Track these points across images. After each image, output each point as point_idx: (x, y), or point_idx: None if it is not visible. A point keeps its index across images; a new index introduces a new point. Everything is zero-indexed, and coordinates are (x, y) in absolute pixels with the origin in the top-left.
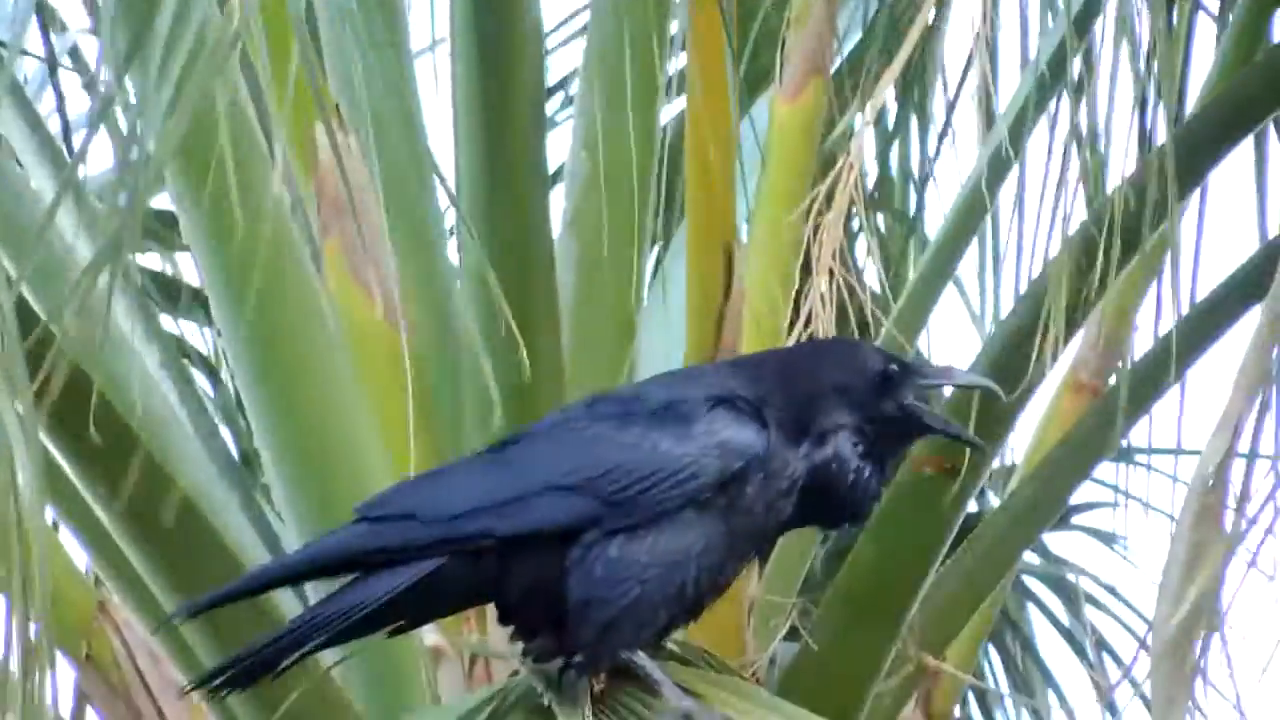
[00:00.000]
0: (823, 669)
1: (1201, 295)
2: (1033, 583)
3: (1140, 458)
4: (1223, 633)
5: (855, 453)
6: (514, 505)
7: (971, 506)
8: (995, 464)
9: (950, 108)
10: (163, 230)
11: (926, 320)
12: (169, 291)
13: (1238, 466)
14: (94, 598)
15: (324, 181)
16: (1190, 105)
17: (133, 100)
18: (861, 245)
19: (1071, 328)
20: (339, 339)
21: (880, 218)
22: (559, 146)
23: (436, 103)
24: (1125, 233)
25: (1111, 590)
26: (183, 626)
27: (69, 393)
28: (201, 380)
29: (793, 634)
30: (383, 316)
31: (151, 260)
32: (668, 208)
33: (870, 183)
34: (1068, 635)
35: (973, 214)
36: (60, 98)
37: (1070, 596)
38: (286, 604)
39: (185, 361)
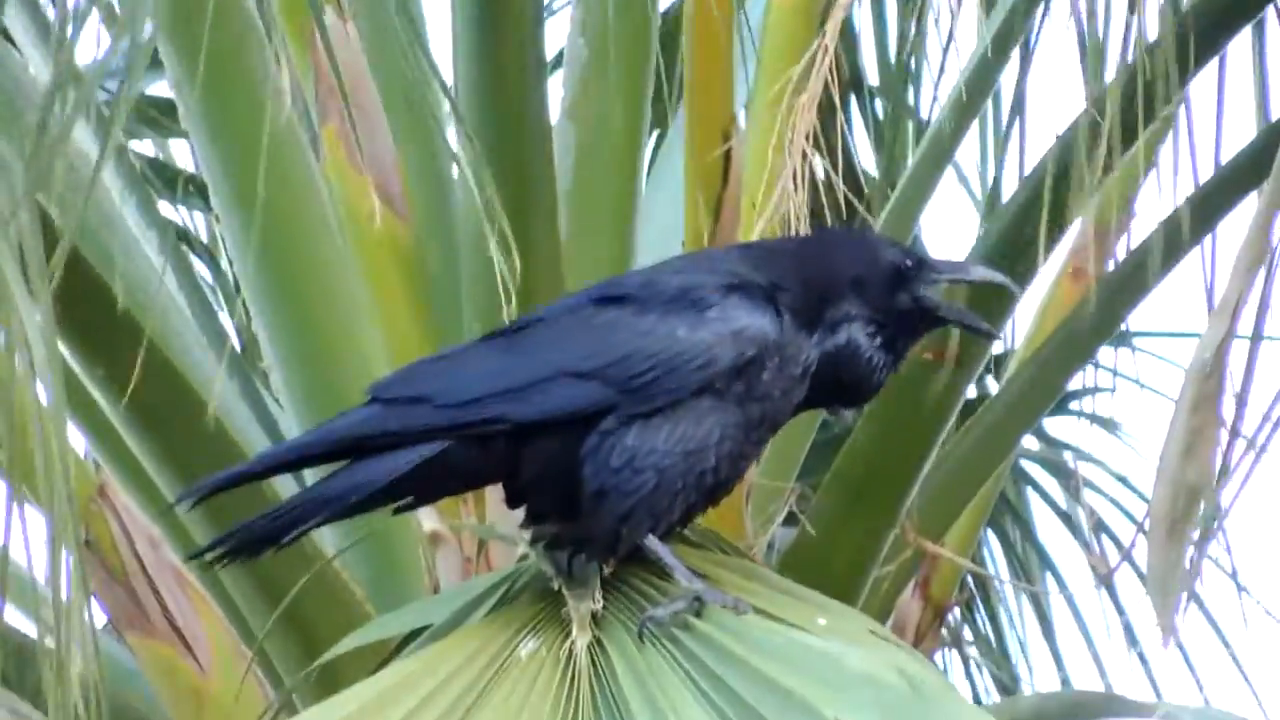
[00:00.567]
0: (821, 554)
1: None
2: (1031, 467)
3: (1139, 341)
4: (1220, 516)
5: (870, 342)
6: (530, 390)
7: (971, 392)
8: (994, 349)
9: None
10: (161, 117)
11: (923, 207)
12: (167, 178)
13: (1237, 350)
14: (94, 482)
15: (322, 69)
16: None
17: None
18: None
19: (1069, 215)
20: (338, 224)
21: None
22: (557, 34)
23: None
24: (1125, 116)
25: (1114, 474)
26: (184, 513)
27: (68, 278)
28: (200, 267)
29: (790, 519)
30: (381, 202)
31: (148, 147)
32: (667, 94)
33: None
34: (1066, 519)
35: (973, 100)
36: None
37: (1069, 481)
38: (289, 492)
39: (184, 247)
